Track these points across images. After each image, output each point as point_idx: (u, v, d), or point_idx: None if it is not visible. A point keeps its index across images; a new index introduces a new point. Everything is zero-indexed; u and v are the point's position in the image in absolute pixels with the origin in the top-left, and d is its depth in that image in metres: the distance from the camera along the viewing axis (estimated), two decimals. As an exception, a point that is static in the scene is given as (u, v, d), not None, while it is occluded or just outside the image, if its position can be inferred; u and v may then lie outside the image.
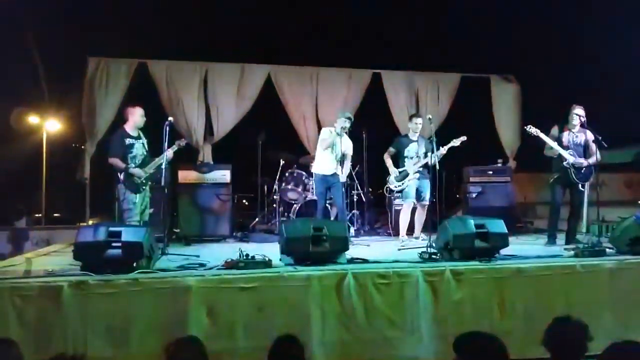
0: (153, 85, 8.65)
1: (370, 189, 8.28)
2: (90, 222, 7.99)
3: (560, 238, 6.24)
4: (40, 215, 10.09)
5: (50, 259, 5.28)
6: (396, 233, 7.10)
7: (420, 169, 6.57)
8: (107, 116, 8.27)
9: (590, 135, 6.06)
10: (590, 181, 6.29)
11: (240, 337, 3.96)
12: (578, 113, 6.03)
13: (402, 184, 6.52)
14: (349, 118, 6.62)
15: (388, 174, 6.79)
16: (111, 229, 4.22)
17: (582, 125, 6.06)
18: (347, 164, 6.82)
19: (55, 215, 10.43)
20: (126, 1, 8.74)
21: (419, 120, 6.64)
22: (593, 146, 6.05)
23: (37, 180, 10.20)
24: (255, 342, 3.91)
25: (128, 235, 4.18)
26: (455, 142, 6.50)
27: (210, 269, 4.36)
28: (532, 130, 6.07)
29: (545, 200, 7.16)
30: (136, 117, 5.81)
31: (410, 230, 6.69)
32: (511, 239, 4.99)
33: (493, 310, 4.38)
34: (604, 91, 9.68)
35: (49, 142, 10.39)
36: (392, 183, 6.63)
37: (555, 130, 6.20)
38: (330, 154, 6.59)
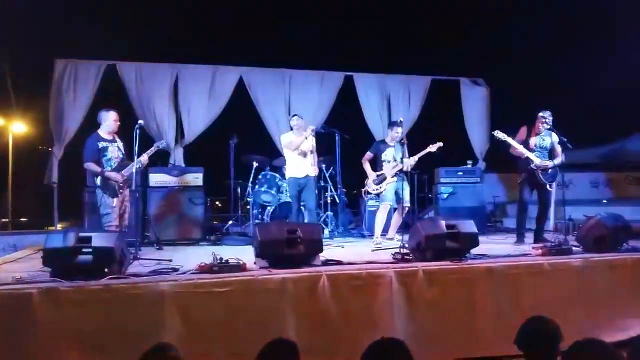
0: (123, 87, 8.52)
1: (345, 190, 8.32)
2: (60, 227, 7.83)
3: (529, 237, 6.40)
4: (7, 220, 9.84)
5: (19, 265, 5.14)
6: (370, 234, 7.14)
7: (399, 172, 6.63)
8: (75, 119, 8.11)
9: (556, 138, 6.23)
10: (557, 181, 6.46)
11: (216, 342, 3.94)
12: (545, 117, 6.20)
13: (380, 187, 6.58)
14: (294, 116, 6.95)
15: (362, 176, 6.84)
16: (81, 234, 4.12)
17: (549, 129, 6.23)
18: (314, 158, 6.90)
19: (23, 219, 10.19)
20: (94, 3, 8.60)
21: (399, 129, 6.69)
22: (558, 148, 6.24)
23: (3, 184, 9.96)
24: (230, 347, 3.91)
25: (99, 240, 4.09)
26: (432, 149, 6.58)
27: (184, 273, 4.30)
28: (500, 135, 6.25)
29: (514, 200, 7.31)
30: (109, 122, 5.71)
31: (385, 231, 6.75)
32: (481, 238, 5.08)
33: (465, 309, 4.46)
34: (571, 94, 9.98)
35: (15, 145, 10.16)
36: (371, 187, 6.68)
37: (524, 131, 6.35)
38: (298, 156, 6.65)
